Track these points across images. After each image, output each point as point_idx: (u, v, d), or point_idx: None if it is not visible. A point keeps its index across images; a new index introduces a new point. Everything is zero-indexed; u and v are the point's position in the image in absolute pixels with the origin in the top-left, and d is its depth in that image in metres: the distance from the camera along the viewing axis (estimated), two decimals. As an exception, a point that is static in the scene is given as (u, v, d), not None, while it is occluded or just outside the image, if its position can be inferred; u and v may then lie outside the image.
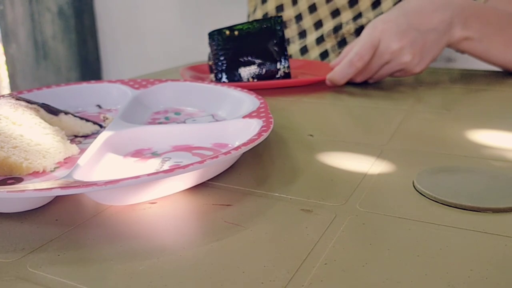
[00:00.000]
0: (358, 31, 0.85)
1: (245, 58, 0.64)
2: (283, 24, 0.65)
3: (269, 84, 0.63)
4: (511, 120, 0.48)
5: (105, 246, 0.26)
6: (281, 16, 0.65)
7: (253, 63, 0.64)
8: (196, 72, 0.71)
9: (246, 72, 0.64)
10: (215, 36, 0.63)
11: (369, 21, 0.84)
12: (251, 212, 0.29)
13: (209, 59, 0.67)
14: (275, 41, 0.65)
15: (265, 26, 0.64)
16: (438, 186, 0.32)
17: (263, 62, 0.65)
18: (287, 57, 0.65)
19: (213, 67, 0.65)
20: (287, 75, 0.66)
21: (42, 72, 1.97)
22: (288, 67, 0.65)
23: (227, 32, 0.63)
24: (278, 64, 0.65)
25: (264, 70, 0.65)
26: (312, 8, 0.88)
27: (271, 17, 0.65)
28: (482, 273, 0.23)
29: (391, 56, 0.61)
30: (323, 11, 0.88)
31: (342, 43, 0.87)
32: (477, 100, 0.58)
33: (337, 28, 0.87)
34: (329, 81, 0.64)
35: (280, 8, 0.92)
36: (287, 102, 0.56)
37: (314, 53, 0.89)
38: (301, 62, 0.77)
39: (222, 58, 0.64)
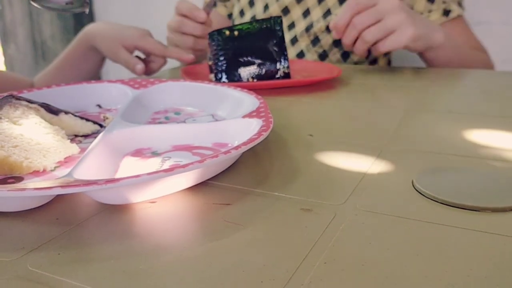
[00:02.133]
0: (329, 28, 0.87)
1: (245, 58, 0.64)
2: (282, 24, 0.66)
3: (269, 84, 0.63)
4: (511, 120, 0.48)
5: (105, 245, 0.26)
6: (280, 16, 0.65)
7: (253, 63, 0.64)
8: (197, 72, 0.71)
9: (246, 72, 0.64)
10: (215, 36, 0.64)
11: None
12: (251, 212, 0.30)
13: (209, 59, 0.67)
14: (274, 41, 0.65)
15: (264, 26, 0.65)
16: (438, 186, 0.32)
17: (263, 62, 0.65)
18: (286, 57, 0.65)
19: (213, 67, 0.65)
20: (286, 75, 0.66)
21: (41, 72, 1.97)
22: (288, 67, 0.66)
23: (227, 32, 0.63)
24: (278, 64, 0.65)
25: (264, 70, 0.65)
26: (285, 11, 0.90)
27: (270, 17, 0.65)
28: (481, 272, 0.23)
29: (390, 9, 0.66)
30: (296, 13, 0.90)
31: (316, 41, 0.89)
32: (476, 100, 0.58)
33: (308, 28, 0.88)
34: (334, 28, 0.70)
35: (253, 16, 0.94)
36: (287, 102, 0.56)
37: (290, 53, 0.91)
38: (301, 63, 0.77)
39: (222, 58, 0.64)
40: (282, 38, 0.65)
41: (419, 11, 0.86)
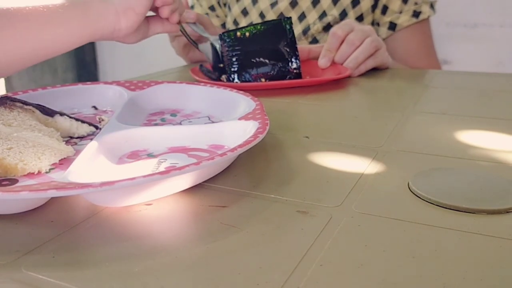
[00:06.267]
0: (326, 28, 0.89)
1: (257, 59, 0.64)
2: (292, 25, 0.66)
3: (280, 84, 0.63)
4: (506, 122, 0.48)
5: (100, 248, 0.26)
6: (290, 17, 0.66)
7: (265, 64, 0.65)
8: (206, 72, 0.70)
9: (258, 72, 0.65)
10: (226, 37, 0.64)
11: (334, 17, 0.88)
12: (247, 214, 0.29)
13: (220, 61, 0.67)
14: (286, 42, 0.65)
15: (275, 27, 0.65)
16: (433, 188, 0.32)
17: (274, 62, 0.65)
18: (298, 57, 0.66)
19: (226, 68, 0.65)
20: (298, 75, 0.66)
21: (38, 73, 1.97)
22: (299, 67, 0.66)
23: (238, 34, 0.64)
24: (290, 64, 0.65)
25: (275, 71, 0.65)
26: (281, 17, 0.91)
27: (280, 18, 0.65)
28: (477, 274, 0.23)
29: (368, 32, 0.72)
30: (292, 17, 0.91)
31: (314, 42, 0.90)
32: (472, 102, 0.59)
33: (305, 30, 0.90)
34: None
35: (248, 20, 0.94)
36: (283, 104, 0.56)
37: None
38: (308, 63, 0.76)
39: (234, 59, 0.64)
40: (293, 38, 0.65)
41: (394, 11, 0.89)
